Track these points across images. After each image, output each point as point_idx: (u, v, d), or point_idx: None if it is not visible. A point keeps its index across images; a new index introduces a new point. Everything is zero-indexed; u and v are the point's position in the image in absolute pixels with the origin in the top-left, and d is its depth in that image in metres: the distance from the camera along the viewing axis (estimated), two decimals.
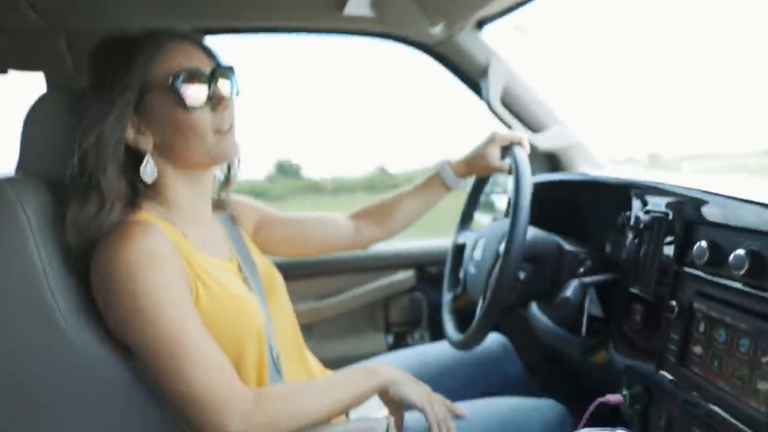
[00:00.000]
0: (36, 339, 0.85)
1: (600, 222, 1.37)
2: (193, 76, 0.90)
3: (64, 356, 0.86)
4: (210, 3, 1.24)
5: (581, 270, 1.17)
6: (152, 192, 0.96)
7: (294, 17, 1.37)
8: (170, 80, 0.89)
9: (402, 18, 1.33)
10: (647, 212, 1.00)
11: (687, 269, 0.87)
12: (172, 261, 0.86)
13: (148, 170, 0.92)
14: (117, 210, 0.89)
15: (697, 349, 0.82)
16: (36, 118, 0.98)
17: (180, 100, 0.89)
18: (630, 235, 1.03)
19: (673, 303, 0.86)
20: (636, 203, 1.06)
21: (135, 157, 0.93)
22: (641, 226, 0.98)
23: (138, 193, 0.95)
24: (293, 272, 1.65)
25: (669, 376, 0.86)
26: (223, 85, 0.94)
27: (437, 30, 1.42)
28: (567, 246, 1.19)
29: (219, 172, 1.10)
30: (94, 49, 0.94)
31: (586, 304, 1.10)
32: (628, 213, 1.04)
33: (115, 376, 0.87)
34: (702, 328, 0.81)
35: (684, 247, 0.89)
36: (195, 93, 0.90)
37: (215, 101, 0.92)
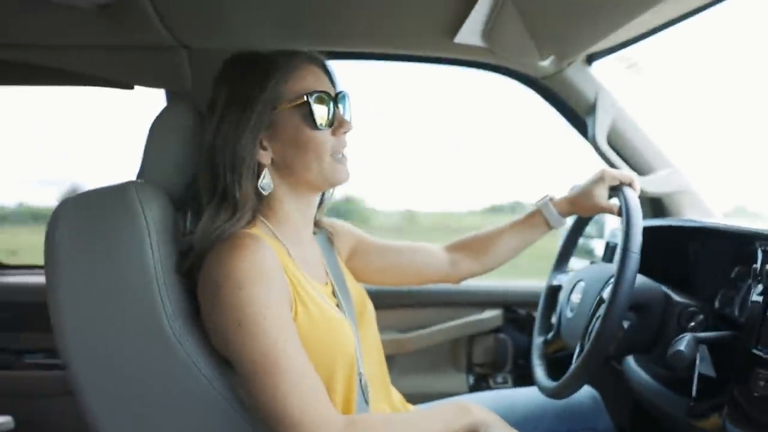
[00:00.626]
0: (141, 341, 0.89)
1: (709, 275, 1.27)
2: (321, 98, 0.95)
3: (165, 361, 0.89)
4: (324, 27, 1.28)
5: (692, 324, 1.08)
6: (263, 208, 0.99)
7: (405, 44, 1.38)
8: (304, 98, 0.93)
9: (513, 49, 1.31)
10: None
11: None
12: (278, 278, 0.89)
13: (266, 184, 0.96)
14: (245, 220, 0.94)
15: None
16: (160, 129, 1.05)
17: (309, 118, 0.94)
18: (757, 290, 0.94)
19: None
20: (761, 254, 0.97)
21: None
22: None
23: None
24: (379, 301, 1.64)
25: None
26: (342, 110, 0.99)
27: (547, 63, 1.40)
28: (676, 297, 1.10)
29: None
30: (227, 65, 1.00)
31: (697, 363, 1.01)
32: (754, 265, 0.95)
33: (210, 388, 0.89)
34: None
35: None
36: (321, 113, 0.95)
37: (336, 125, 0.97)
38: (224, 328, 0.86)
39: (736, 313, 1.04)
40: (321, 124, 0.95)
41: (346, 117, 1.01)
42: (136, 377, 0.89)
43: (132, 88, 1.47)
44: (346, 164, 1.01)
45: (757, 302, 0.94)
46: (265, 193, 0.96)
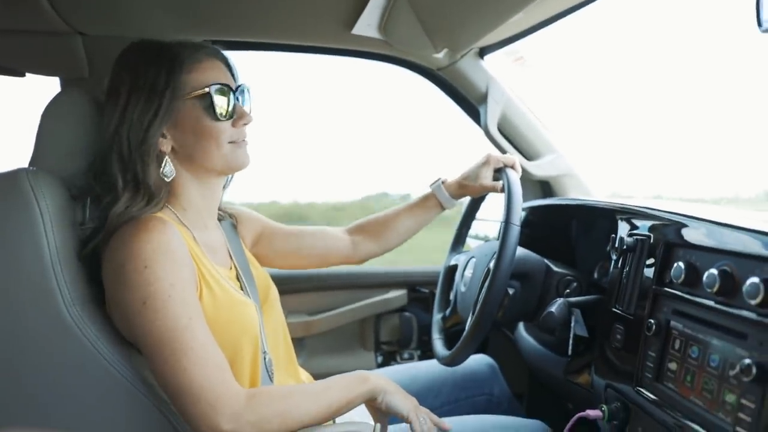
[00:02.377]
0: (39, 329, 0.88)
1: (589, 249, 1.41)
2: (223, 90, 0.98)
3: (65, 348, 0.89)
4: (221, 17, 1.29)
5: (567, 291, 1.20)
6: (167, 193, 1.01)
7: (304, 34, 1.42)
8: (206, 90, 0.96)
9: (408, 42, 1.39)
10: (631, 235, 1.04)
11: (665, 289, 0.90)
12: (184, 258, 0.91)
13: (168, 171, 0.98)
14: (160, 206, 0.96)
15: (672, 366, 0.85)
16: (52, 116, 1.02)
17: (210, 110, 0.97)
18: (614, 257, 1.07)
19: (652, 321, 0.89)
20: (622, 226, 1.10)
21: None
22: (625, 247, 1.02)
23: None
24: (286, 286, 1.67)
25: (646, 393, 0.89)
26: (242, 102, 1.03)
27: (441, 55, 1.48)
28: (555, 267, 1.22)
29: None
30: (129, 51, 1.00)
31: (572, 325, 1.13)
32: (612, 235, 1.08)
33: (115, 372, 0.89)
34: (677, 345, 0.84)
35: (663, 267, 0.92)
36: (222, 105, 0.98)
37: (237, 116, 1.00)
38: (129, 307, 0.87)
39: (608, 279, 1.17)
40: (221, 115, 0.98)
41: (246, 109, 1.04)
42: (37, 365, 0.88)
43: (23, 75, 1.41)
44: (246, 149, 1.04)
45: (616, 268, 1.07)
46: (167, 179, 0.98)
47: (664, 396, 0.85)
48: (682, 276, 0.84)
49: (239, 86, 1.03)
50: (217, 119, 0.97)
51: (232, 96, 0.99)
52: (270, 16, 1.28)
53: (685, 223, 0.92)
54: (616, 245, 1.04)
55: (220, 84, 0.98)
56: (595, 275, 1.28)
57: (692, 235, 0.88)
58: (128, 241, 0.88)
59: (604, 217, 1.30)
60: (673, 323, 0.86)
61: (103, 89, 1.01)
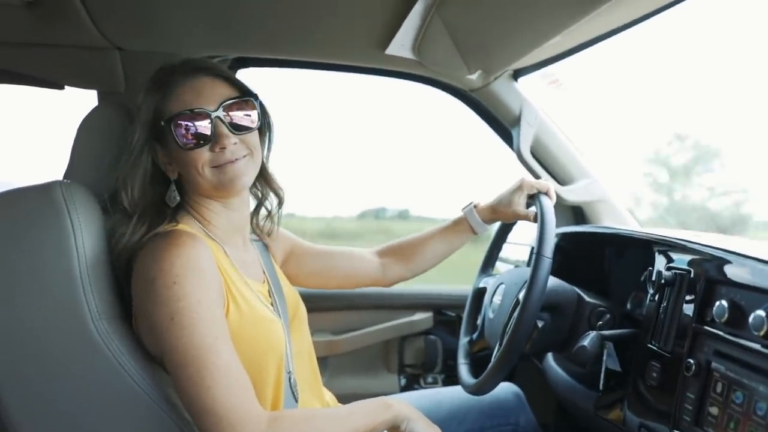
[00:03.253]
0: (65, 341, 0.88)
1: (623, 278, 1.36)
2: (194, 116, 0.94)
3: (90, 362, 0.88)
4: (256, 34, 1.29)
5: (600, 323, 1.16)
6: (191, 209, 1.02)
7: (338, 53, 1.42)
8: (162, 123, 0.95)
9: (442, 63, 1.38)
10: (669, 269, 1.00)
11: (706, 328, 0.86)
12: (212, 275, 0.91)
13: (172, 197, 1.00)
14: (145, 228, 0.95)
15: (714, 410, 0.80)
16: (87, 129, 1.04)
17: (174, 142, 0.95)
18: (651, 291, 1.03)
19: (691, 361, 0.85)
20: (659, 259, 1.06)
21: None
22: (663, 281, 0.98)
23: (178, 207, 1.02)
24: (313, 304, 1.66)
25: None
26: (235, 118, 0.97)
27: (474, 77, 1.47)
28: (587, 298, 1.18)
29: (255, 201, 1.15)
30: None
31: (604, 358, 1.09)
32: (650, 268, 1.04)
33: (138, 389, 0.89)
34: (719, 388, 0.80)
35: (704, 305, 0.88)
36: (191, 133, 0.95)
37: (215, 141, 0.95)
38: (157, 322, 0.87)
39: (644, 313, 1.13)
40: (185, 145, 0.95)
41: (241, 124, 0.98)
42: (61, 378, 0.88)
43: (62, 88, 1.44)
44: (234, 169, 0.97)
45: (652, 302, 1.03)
46: (171, 204, 1.00)
47: None
48: (726, 315, 0.80)
49: (228, 101, 0.96)
50: (184, 149, 0.95)
51: (204, 119, 0.94)
52: (304, 34, 1.28)
53: (727, 259, 0.88)
54: (653, 278, 1.01)
55: (185, 112, 0.94)
56: (628, 306, 1.24)
57: (736, 272, 0.84)
58: (158, 255, 0.88)
59: (639, 247, 1.26)
60: (714, 365, 0.82)
61: (137, 104, 1.01)
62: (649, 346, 0.99)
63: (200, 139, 0.95)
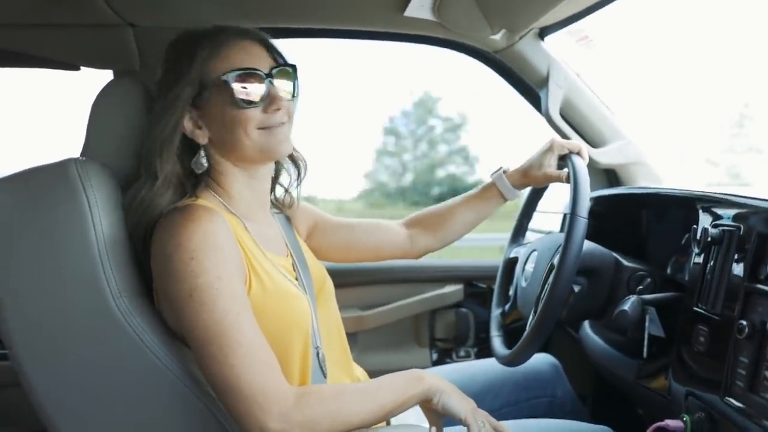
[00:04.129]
0: (86, 319, 0.88)
1: (662, 240, 1.30)
2: (249, 75, 0.93)
3: (112, 340, 0.88)
4: (269, 4, 1.27)
5: (640, 287, 1.10)
6: (212, 183, 1.00)
7: (354, 19, 1.38)
8: (224, 78, 0.92)
9: (464, 23, 1.32)
10: (716, 226, 0.93)
11: (760, 286, 0.80)
12: (231, 250, 0.88)
13: (199, 163, 0.97)
14: (168, 195, 0.93)
15: None
16: (101, 107, 1.02)
17: (231, 98, 0.92)
18: (696, 251, 0.97)
19: (744, 323, 0.79)
20: (704, 217, 1.00)
21: (195, 149, 0.98)
22: (709, 240, 0.92)
23: (198, 182, 0.99)
24: (340, 279, 1.64)
25: (737, 403, 0.80)
26: (280, 85, 0.97)
27: (498, 37, 1.40)
28: (626, 262, 1.13)
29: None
30: (168, 46, 0.99)
31: (646, 324, 1.03)
32: (694, 228, 0.98)
33: (161, 365, 0.88)
34: None
35: (756, 262, 0.82)
36: (247, 91, 0.93)
37: (269, 101, 0.95)
38: (176, 299, 0.85)
39: (686, 277, 1.07)
40: (244, 102, 0.93)
41: (285, 90, 0.98)
42: (83, 357, 0.88)
43: (78, 68, 1.43)
44: (282, 134, 0.97)
45: (697, 263, 0.97)
46: (198, 171, 0.97)
47: (760, 408, 0.75)
48: None
49: (276, 68, 0.96)
50: (239, 107, 0.92)
51: (259, 81, 0.93)
52: (319, 1, 1.24)
53: None
54: (698, 237, 0.94)
55: (243, 69, 0.93)
56: (669, 270, 1.18)
57: None
58: (174, 231, 0.86)
59: (679, 207, 1.20)
60: None
61: (154, 81, 1.00)
62: (696, 309, 0.93)
63: (256, 99, 0.93)
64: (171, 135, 0.93)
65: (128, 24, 1.29)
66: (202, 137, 0.96)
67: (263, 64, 0.96)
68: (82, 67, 1.43)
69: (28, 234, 0.87)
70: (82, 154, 1.02)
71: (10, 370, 0.89)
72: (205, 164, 0.97)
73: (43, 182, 0.89)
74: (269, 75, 0.95)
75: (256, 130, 0.94)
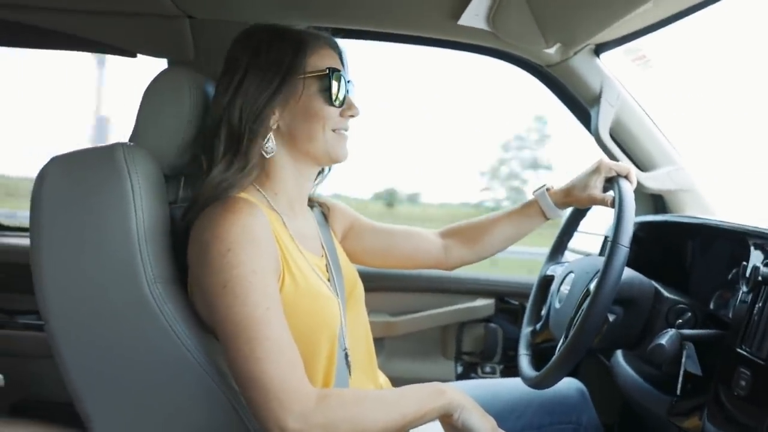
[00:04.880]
0: (119, 302, 0.89)
1: (707, 275, 1.25)
2: (339, 77, 0.99)
3: (143, 325, 0.89)
4: (325, 4, 1.27)
5: (679, 321, 1.06)
6: (260, 176, 1.01)
7: (408, 24, 1.37)
8: (326, 71, 0.98)
9: (518, 35, 1.30)
10: (767, 264, 0.89)
11: None
12: (268, 245, 0.89)
13: (270, 147, 0.98)
14: (252, 176, 0.98)
15: None
16: (153, 94, 1.04)
17: (326, 93, 0.98)
18: (744, 289, 0.92)
19: None
20: (755, 254, 0.95)
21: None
22: (759, 279, 0.87)
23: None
24: (370, 283, 1.64)
25: None
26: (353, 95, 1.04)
27: (552, 51, 1.38)
28: (666, 293, 1.08)
29: None
30: (249, 32, 1.02)
31: (683, 360, 0.99)
32: (744, 264, 0.93)
33: (189, 355, 0.89)
34: None
35: None
36: (338, 90, 0.99)
37: (346, 106, 1.01)
38: (209, 289, 0.86)
39: (730, 315, 1.02)
40: (335, 100, 0.98)
41: (356, 101, 1.04)
42: (114, 340, 0.90)
43: (135, 56, 1.47)
44: (346, 143, 1.03)
45: (744, 301, 0.92)
46: (267, 156, 0.98)
47: None
48: None
49: (349, 80, 1.04)
50: (330, 103, 0.98)
51: (344, 84, 1.00)
52: (376, 4, 1.24)
53: None
54: (748, 275, 0.90)
55: (338, 70, 0.99)
56: (712, 305, 1.13)
57: None
58: (214, 222, 0.87)
59: (728, 241, 1.15)
60: None
61: (208, 72, 1.04)
62: (739, 350, 0.89)
63: (343, 99, 1.00)
64: (264, 119, 0.96)
65: (186, 15, 1.31)
66: (273, 122, 0.99)
67: (343, 68, 1.03)
68: (138, 55, 1.46)
69: (73, 211, 0.89)
70: (130, 140, 1.04)
71: (46, 342, 0.91)
72: (275, 149, 0.99)
73: (91, 164, 0.91)
74: (348, 83, 1.02)
75: (331, 132, 1.00)
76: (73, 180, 0.90)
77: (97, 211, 0.89)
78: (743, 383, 0.86)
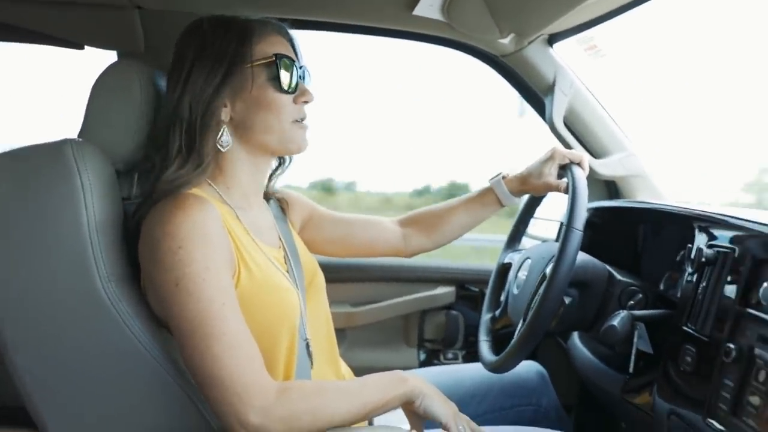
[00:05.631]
0: (73, 302, 0.87)
1: (656, 257, 1.29)
2: (288, 64, 0.97)
3: (97, 324, 0.87)
4: None
5: (631, 303, 1.10)
6: (213, 170, 0.99)
7: (363, 14, 1.36)
8: (273, 58, 0.95)
9: (472, 25, 1.31)
10: (711, 246, 0.93)
11: (750, 311, 0.80)
12: (220, 241, 0.88)
13: (224, 140, 0.96)
14: (207, 174, 0.96)
15: (754, 400, 0.74)
16: (103, 88, 1.01)
17: (275, 80, 0.96)
18: (689, 270, 0.96)
19: (731, 346, 0.79)
20: (700, 236, 0.99)
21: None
22: (703, 260, 0.91)
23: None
24: (332, 274, 1.64)
25: (718, 426, 0.79)
26: (305, 82, 1.01)
27: (507, 41, 1.39)
28: (618, 276, 1.12)
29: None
30: (197, 24, 0.99)
31: (635, 339, 1.03)
32: (689, 245, 0.97)
33: (145, 352, 0.88)
34: (762, 377, 0.74)
35: (749, 286, 0.82)
36: (290, 78, 0.97)
37: (299, 93, 0.99)
38: (162, 287, 0.84)
39: (678, 295, 1.07)
40: (285, 86, 0.96)
41: (310, 88, 1.02)
42: (68, 340, 0.87)
43: (82, 48, 1.42)
44: (306, 133, 1.01)
45: (690, 282, 0.96)
46: (223, 149, 0.96)
47: None
48: None
49: (302, 66, 1.01)
50: (281, 90, 0.96)
51: (296, 71, 0.98)
52: None
53: None
54: (693, 256, 0.94)
55: (286, 56, 0.97)
56: (662, 287, 1.18)
57: None
58: (164, 219, 0.85)
59: (676, 224, 1.19)
60: (757, 351, 0.76)
61: (159, 64, 1.00)
62: (685, 328, 0.93)
63: (295, 86, 0.98)
64: (213, 112, 0.94)
65: (135, 6, 1.28)
66: (225, 115, 0.96)
67: (294, 58, 1.01)
68: (86, 47, 1.42)
69: (20, 211, 0.86)
70: (79, 135, 1.01)
71: None
72: (230, 143, 0.97)
73: (39, 161, 0.88)
74: (300, 69, 1.00)
75: (289, 121, 0.98)
76: (19, 178, 0.87)
77: (47, 210, 0.86)
78: (689, 359, 0.90)
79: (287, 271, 1.02)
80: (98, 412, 0.90)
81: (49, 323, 0.87)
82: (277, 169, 1.12)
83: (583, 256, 1.12)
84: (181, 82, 0.94)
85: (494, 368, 1.15)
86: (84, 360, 0.88)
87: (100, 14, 1.30)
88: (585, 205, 1.04)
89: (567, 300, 1.09)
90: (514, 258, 1.34)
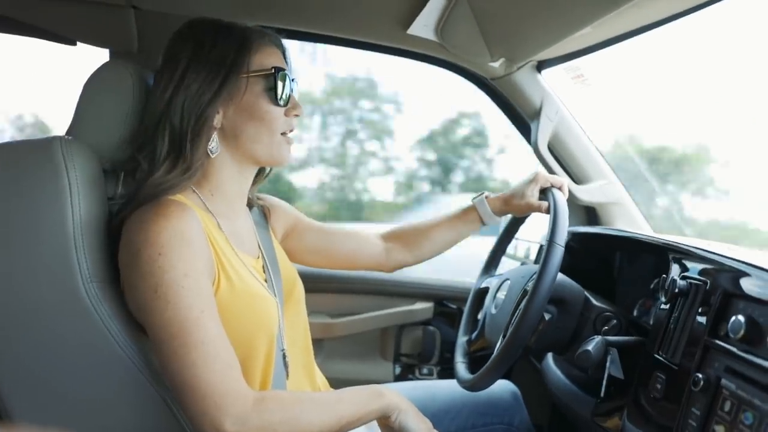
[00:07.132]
0: (53, 300, 0.86)
1: (631, 284, 1.32)
2: (284, 76, 0.97)
3: (77, 324, 0.86)
4: (276, 4, 1.27)
5: (605, 328, 1.12)
6: (197, 177, 0.97)
7: (359, 30, 1.38)
8: (271, 71, 0.96)
9: (464, 47, 1.34)
10: (684, 278, 0.96)
11: (719, 342, 0.82)
12: (201, 248, 0.87)
13: (214, 147, 0.96)
14: (194, 179, 0.95)
15: (719, 429, 0.77)
16: (94, 86, 1.00)
17: (271, 92, 0.96)
18: (662, 299, 0.99)
19: (699, 376, 0.81)
20: (674, 267, 1.02)
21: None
22: (676, 290, 0.94)
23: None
24: (312, 284, 1.64)
25: None
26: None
27: (497, 65, 1.42)
28: (594, 301, 1.14)
29: None
30: (192, 26, 0.98)
31: (607, 364, 1.05)
32: (664, 276, 1.00)
33: (123, 355, 0.87)
34: (727, 407, 0.76)
35: (718, 318, 0.84)
36: (283, 90, 0.97)
37: (291, 106, 0.99)
38: (141, 293, 0.84)
39: (651, 322, 1.09)
40: (280, 99, 0.96)
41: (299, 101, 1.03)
42: (47, 339, 0.86)
43: (75, 44, 1.41)
44: (291, 147, 1.02)
45: (663, 310, 0.99)
46: (212, 155, 0.96)
47: None
48: (742, 331, 0.76)
49: (293, 78, 1.02)
50: (275, 103, 0.96)
51: (289, 84, 0.98)
52: (325, 7, 1.25)
53: (747, 272, 0.84)
54: (666, 286, 0.96)
55: (282, 69, 0.97)
56: (635, 313, 1.20)
57: (756, 287, 0.80)
58: (145, 225, 0.85)
59: (652, 254, 1.22)
60: (724, 381, 0.78)
61: (152, 65, 0.99)
62: (656, 356, 0.96)
63: (288, 99, 0.98)
64: (207, 119, 0.93)
65: (131, 6, 1.28)
66: (216, 122, 0.96)
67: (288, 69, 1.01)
68: (78, 43, 1.41)
69: (5, 207, 0.86)
70: (68, 133, 1.00)
71: None
72: (219, 150, 0.97)
73: (27, 158, 0.88)
74: (292, 83, 1.00)
75: (280, 134, 0.98)
76: (6, 173, 0.87)
77: (32, 207, 0.85)
78: (659, 386, 0.92)
79: (266, 281, 1.02)
80: (69, 408, 0.89)
81: (30, 323, 0.86)
82: (257, 176, 1.12)
83: (562, 276, 1.14)
84: (173, 83, 0.93)
85: (470, 386, 1.16)
86: (61, 358, 0.87)
87: (95, 11, 1.30)
88: (566, 222, 1.06)
89: (547, 316, 1.11)
90: (492, 282, 1.36)
